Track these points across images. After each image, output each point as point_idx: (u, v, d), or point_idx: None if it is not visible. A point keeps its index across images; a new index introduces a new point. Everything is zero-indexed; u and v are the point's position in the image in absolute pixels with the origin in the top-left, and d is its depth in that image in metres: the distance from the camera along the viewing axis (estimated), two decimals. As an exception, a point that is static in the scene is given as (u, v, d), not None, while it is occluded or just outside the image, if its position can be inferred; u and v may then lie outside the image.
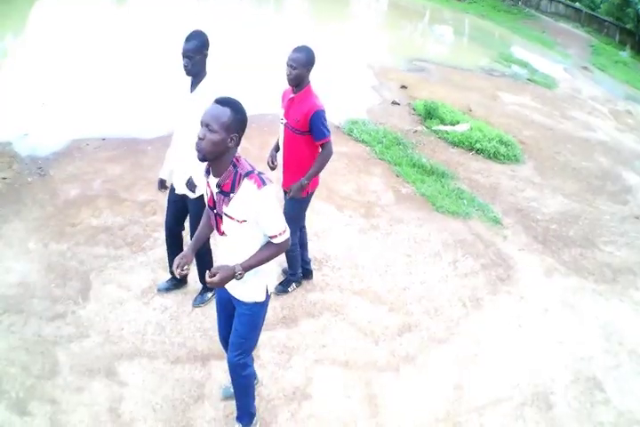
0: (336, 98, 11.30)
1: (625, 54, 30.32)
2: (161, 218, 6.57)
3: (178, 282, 5.67)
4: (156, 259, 6.02)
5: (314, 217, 7.07)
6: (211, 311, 5.37)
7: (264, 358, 5.02)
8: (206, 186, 3.51)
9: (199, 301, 5.58)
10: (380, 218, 7.56)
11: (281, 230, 3.47)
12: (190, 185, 4.88)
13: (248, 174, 3.31)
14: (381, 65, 15.53)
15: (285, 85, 5.19)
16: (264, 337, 5.15)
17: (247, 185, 3.29)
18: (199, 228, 3.89)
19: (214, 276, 3.43)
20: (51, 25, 13.85)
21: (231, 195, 3.33)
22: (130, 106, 9.55)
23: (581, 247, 8.07)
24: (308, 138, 5.09)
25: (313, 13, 23.24)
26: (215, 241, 3.90)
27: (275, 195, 3.39)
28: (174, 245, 5.43)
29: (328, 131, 5.07)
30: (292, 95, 5.05)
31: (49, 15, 14.91)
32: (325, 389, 4.86)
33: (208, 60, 4.75)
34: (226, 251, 3.65)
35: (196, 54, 4.57)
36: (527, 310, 6.44)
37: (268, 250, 3.54)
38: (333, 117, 10.23)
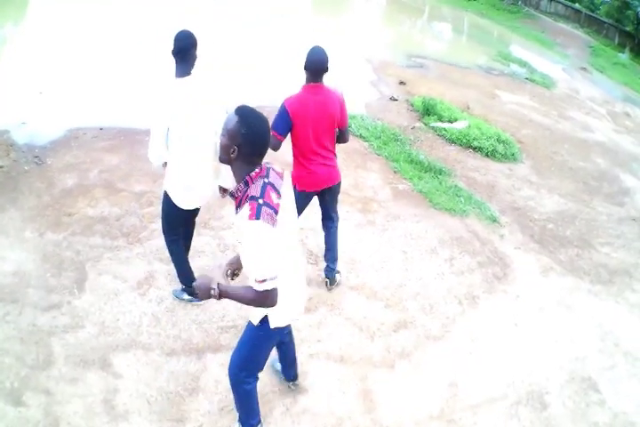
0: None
1: (624, 56, 30.46)
2: (157, 210, 6.56)
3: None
4: (153, 250, 6.00)
5: (310, 212, 7.07)
6: (207, 304, 5.38)
7: (260, 352, 4.99)
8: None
9: (176, 294, 5.52)
10: (376, 214, 7.53)
11: (259, 279, 3.14)
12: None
13: (251, 199, 3.12)
14: (380, 60, 15.48)
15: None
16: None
17: (245, 209, 3.11)
18: None
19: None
20: (49, 13, 13.78)
21: (237, 210, 3.21)
22: (128, 95, 9.51)
23: (578, 248, 8.08)
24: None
25: (312, 8, 23.22)
26: None
27: (269, 236, 3.10)
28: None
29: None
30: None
31: (48, 4, 14.85)
32: (320, 383, 4.85)
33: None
34: None
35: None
36: (523, 308, 6.44)
37: (246, 292, 3.26)
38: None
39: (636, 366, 6.01)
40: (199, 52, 4.66)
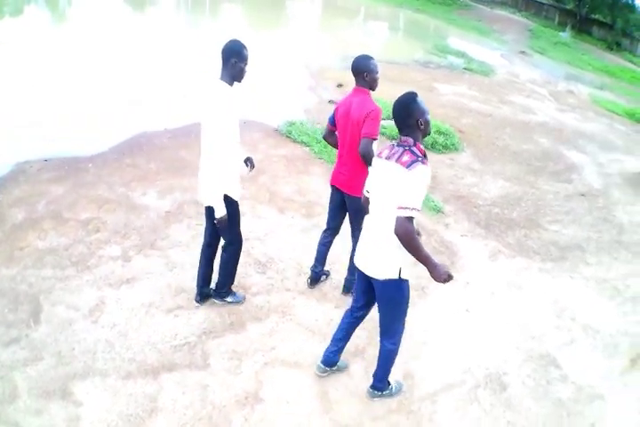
0: (273, 100, 11.48)
1: (565, 35, 30.90)
2: (104, 235, 6.63)
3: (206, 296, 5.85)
4: (102, 276, 6.02)
5: (255, 221, 7.14)
6: (157, 325, 5.46)
7: (214, 365, 5.05)
8: None
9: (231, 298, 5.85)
10: (321, 217, 7.47)
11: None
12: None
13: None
14: (318, 65, 15.68)
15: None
16: (213, 344, 5.23)
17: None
18: None
19: None
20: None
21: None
22: (70, 125, 9.54)
23: (525, 228, 8.25)
24: None
25: (249, 16, 23.29)
26: None
27: None
28: (205, 259, 5.67)
29: None
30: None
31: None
32: (277, 390, 4.90)
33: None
34: None
35: None
36: (474, 294, 6.59)
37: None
38: (271, 120, 10.38)
39: (596, 338, 6.16)
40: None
